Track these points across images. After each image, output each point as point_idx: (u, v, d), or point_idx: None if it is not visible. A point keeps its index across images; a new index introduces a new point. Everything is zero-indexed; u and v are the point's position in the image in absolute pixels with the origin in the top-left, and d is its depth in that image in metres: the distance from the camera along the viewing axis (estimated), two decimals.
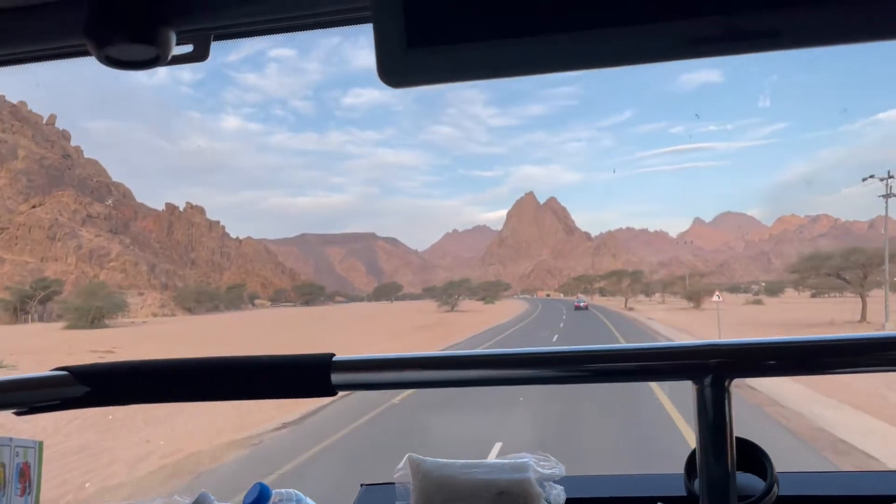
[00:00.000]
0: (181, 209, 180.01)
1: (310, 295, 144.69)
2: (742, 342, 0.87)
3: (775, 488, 1.01)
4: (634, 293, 77.23)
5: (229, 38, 0.73)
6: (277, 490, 1.14)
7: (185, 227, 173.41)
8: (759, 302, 61.79)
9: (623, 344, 0.92)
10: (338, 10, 0.70)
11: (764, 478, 1.02)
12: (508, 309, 70.43)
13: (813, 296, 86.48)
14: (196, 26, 0.67)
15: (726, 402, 0.86)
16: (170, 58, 0.64)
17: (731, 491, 0.85)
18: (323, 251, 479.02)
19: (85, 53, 0.66)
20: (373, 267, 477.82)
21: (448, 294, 73.14)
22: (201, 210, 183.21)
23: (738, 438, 1.05)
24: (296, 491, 1.15)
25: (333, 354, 0.94)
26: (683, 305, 60.81)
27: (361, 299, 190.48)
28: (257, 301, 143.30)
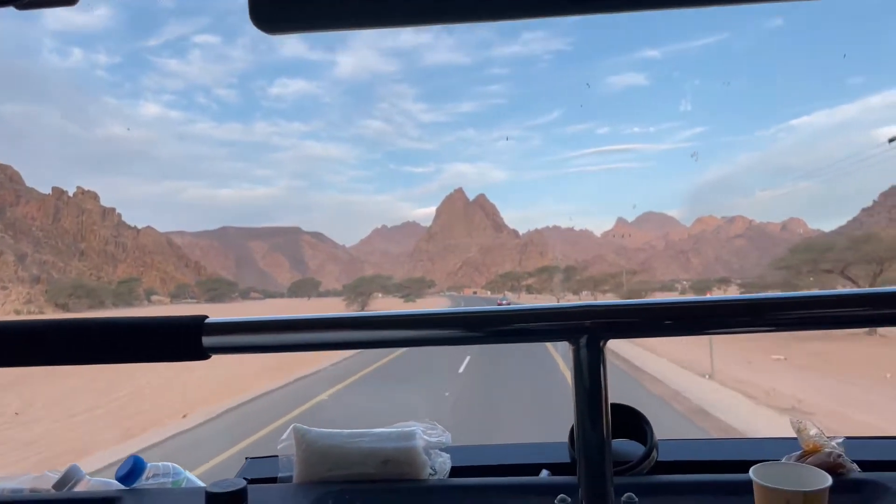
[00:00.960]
0: (70, 194, 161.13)
1: (215, 291, 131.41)
2: (616, 303, 0.88)
3: (654, 453, 1.04)
4: (562, 291, 69.72)
5: None
6: (153, 463, 1.10)
7: (74, 213, 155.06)
8: None
9: (503, 306, 0.91)
10: None
11: (644, 444, 1.05)
12: (434, 307, 61.54)
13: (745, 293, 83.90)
14: None
15: (601, 363, 0.86)
16: None
17: (606, 454, 0.86)
18: (245, 245, 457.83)
19: None
20: (297, 262, 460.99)
21: (358, 292, 61.52)
22: (94, 195, 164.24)
23: (621, 406, 1.07)
24: (173, 464, 1.11)
25: (206, 317, 0.90)
26: None
27: (281, 295, 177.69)
28: (154, 297, 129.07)
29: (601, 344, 0.86)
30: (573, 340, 0.86)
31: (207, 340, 0.88)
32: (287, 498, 1.02)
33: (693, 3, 0.46)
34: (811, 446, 1.01)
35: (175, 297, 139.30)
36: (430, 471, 1.09)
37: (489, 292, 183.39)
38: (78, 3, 0.58)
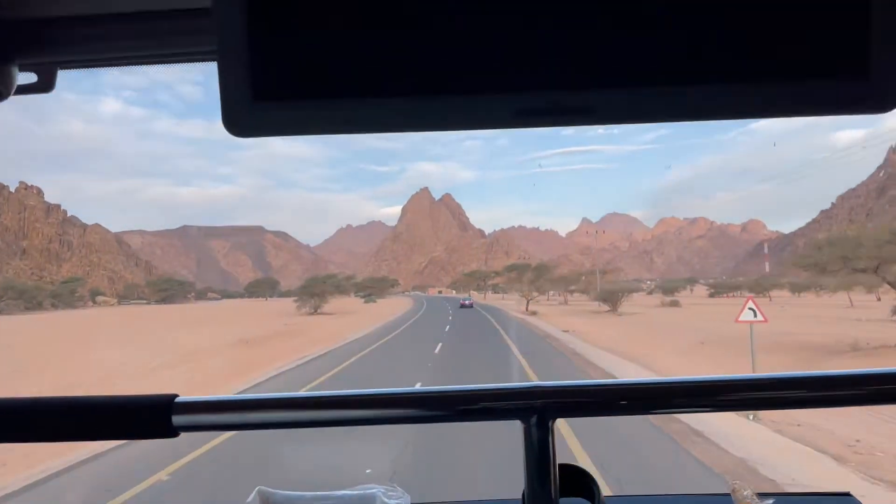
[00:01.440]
0: (12, 189, 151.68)
1: (166, 291, 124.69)
2: (563, 384, 0.94)
3: None
4: (529, 291, 65.70)
5: (76, 69, 0.73)
6: None
7: (15, 210, 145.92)
8: (675, 304, 52.47)
9: (456, 386, 0.96)
10: (185, 53, 0.72)
11: (591, 501, 1.11)
12: (389, 310, 57.45)
13: (711, 295, 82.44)
14: (41, 59, 0.67)
15: (550, 439, 0.91)
16: (13, 91, 0.63)
17: None
18: (206, 244, 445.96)
19: None
20: (260, 261, 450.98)
21: (310, 293, 55.55)
22: (38, 191, 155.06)
23: (569, 466, 1.11)
24: None
25: (176, 395, 0.94)
26: (594, 308, 47.44)
27: (241, 295, 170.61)
28: (100, 298, 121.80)
29: (550, 423, 0.91)
30: (524, 419, 0.91)
31: (177, 419, 0.91)
32: None
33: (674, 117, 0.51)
34: None
35: (123, 297, 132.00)
36: None
37: (454, 291, 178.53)
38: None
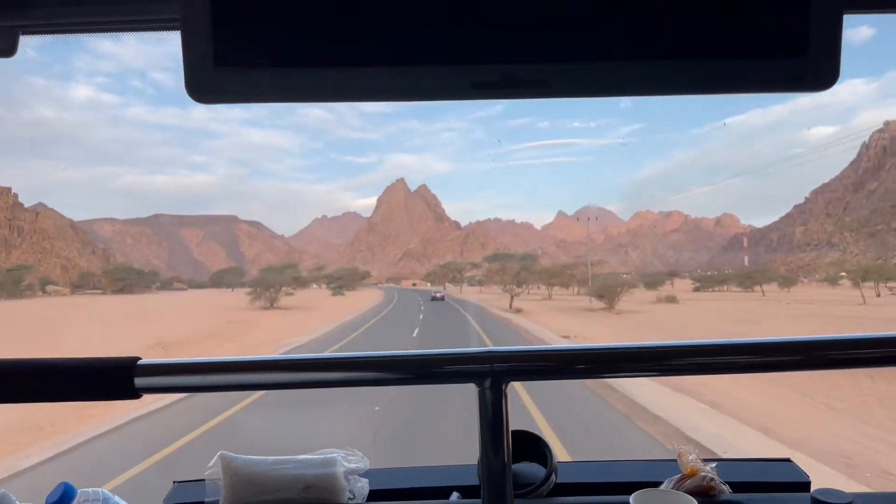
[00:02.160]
0: None
1: (124, 281, 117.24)
2: (517, 349, 0.99)
3: (553, 476, 1.16)
4: (512, 284, 60.21)
5: (38, 34, 0.72)
6: (83, 489, 1.12)
7: None
8: (672, 300, 47.69)
9: (415, 351, 1.00)
10: (149, 20, 0.72)
11: (545, 466, 1.17)
12: (355, 304, 50.88)
13: (696, 290, 79.28)
14: (2, 23, 0.66)
15: (504, 403, 0.95)
16: None
17: (507, 480, 0.96)
18: (178, 233, 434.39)
19: None
20: (234, 251, 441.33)
21: (265, 284, 48.60)
22: None
23: (522, 431, 1.19)
24: (103, 490, 1.14)
25: (139, 358, 0.95)
26: (584, 304, 40.76)
27: (207, 286, 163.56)
28: (51, 288, 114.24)
29: (503, 387, 0.96)
30: (479, 383, 0.95)
31: (140, 381, 0.92)
32: None
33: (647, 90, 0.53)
34: (689, 470, 1.14)
35: (78, 287, 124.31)
36: (350, 495, 1.14)
37: (429, 284, 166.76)
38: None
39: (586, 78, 0.52)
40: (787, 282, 61.74)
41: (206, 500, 1.15)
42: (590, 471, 1.34)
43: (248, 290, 52.20)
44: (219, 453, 1.16)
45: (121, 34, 0.73)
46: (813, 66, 0.50)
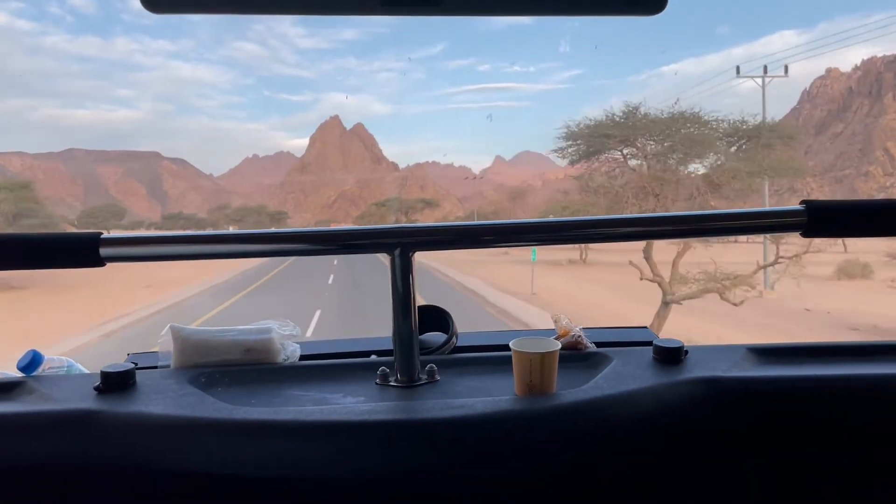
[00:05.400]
0: None
1: None
2: (423, 225, 1.18)
3: (454, 340, 1.41)
4: None
5: None
6: (49, 357, 1.27)
7: None
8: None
9: (338, 227, 1.20)
10: None
11: (447, 333, 1.42)
12: (206, 272, 25.02)
13: None
14: None
15: (411, 270, 1.14)
16: None
17: (414, 339, 1.16)
18: (95, 170, 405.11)
19: None
20: (155, 190, 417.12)
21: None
22: None
23: (428, 305, 1.43)
24: (67, 358, 1.31)
25: (101, 232, 1.11)
26: (544, 254, 30.54)
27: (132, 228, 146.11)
28: None
29: (410, 255, 1.14)
30: (390, 251, 1.14)
31: (104, 251, 1.09)
32: (167, 377, 1.19)
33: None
34: (563, 332, 1.38)
35: None
36: (284, 357, 1.33)
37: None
38: None
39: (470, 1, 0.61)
40: None
41: (159, 363, 1.30)
42: (484, 337, 1.58)
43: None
44: (168, 325, 1.30)
45: None
46: None
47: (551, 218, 1.29)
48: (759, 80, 23.48)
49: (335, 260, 29.07)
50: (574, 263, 30.75)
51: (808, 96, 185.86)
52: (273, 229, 1.31)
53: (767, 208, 1.21)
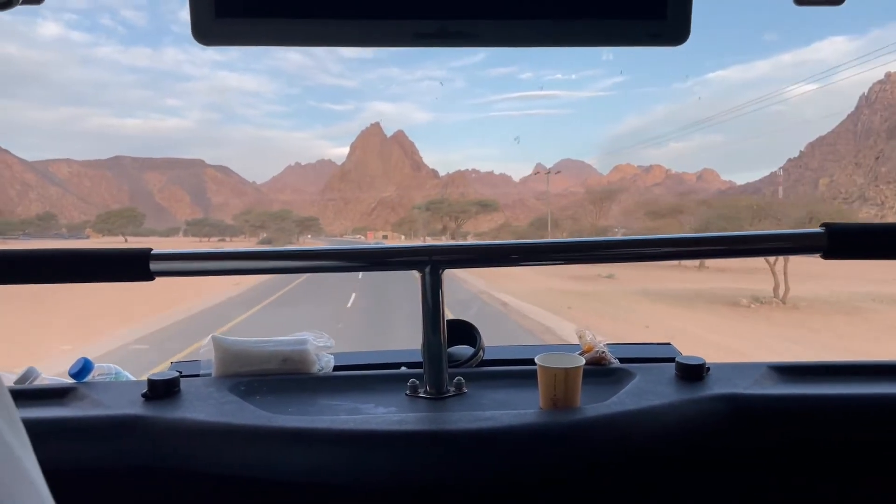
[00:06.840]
0: None
1: None
2: (450, 245, 1.23)
3: (480, 353, 1.43)
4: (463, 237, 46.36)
5: None
6: (99, 364, 1.34)
7: None
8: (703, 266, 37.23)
9: (371, 245, 1.25)
10: None
11: (474, 346, 1.46)
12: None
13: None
14: None
15: (440, 287, 1.20)
16: None
17: (443, 352, 1.21)
18: (140, 176, 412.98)
19: None
20: (200, 197, 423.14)
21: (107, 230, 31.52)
22: None
23: (457, 320, 1.46)
24: (115, 365, 1.38)
25: (152, 248, 1.19)
26: (577, 271, 23.83)
27: (176, 233, 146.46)
28: None
29: (440, 272, 1.19)
30: (421, 269, 1.19)
31: (154, 266, 1.16)
32: (209, 385, 1.26)
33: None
34: (587, 347, 1.40)
35: None
36: (318, 367, 1.40)
37: (403, 237, 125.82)
38: None
39: (505, 31, 0.64)
40: None
41: (201, 371, 1.37)
42: (510, 351, 1.63)
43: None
44: (210, 336, 1.37)
45: None
46: (670, 26, 0.63)
47: (577, 238, 1.35)
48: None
49: (360, 275, 22.69)
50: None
51: (867, 101, 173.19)
52: (312, 246, 1.39)
53: (789, 231, 1.25)
